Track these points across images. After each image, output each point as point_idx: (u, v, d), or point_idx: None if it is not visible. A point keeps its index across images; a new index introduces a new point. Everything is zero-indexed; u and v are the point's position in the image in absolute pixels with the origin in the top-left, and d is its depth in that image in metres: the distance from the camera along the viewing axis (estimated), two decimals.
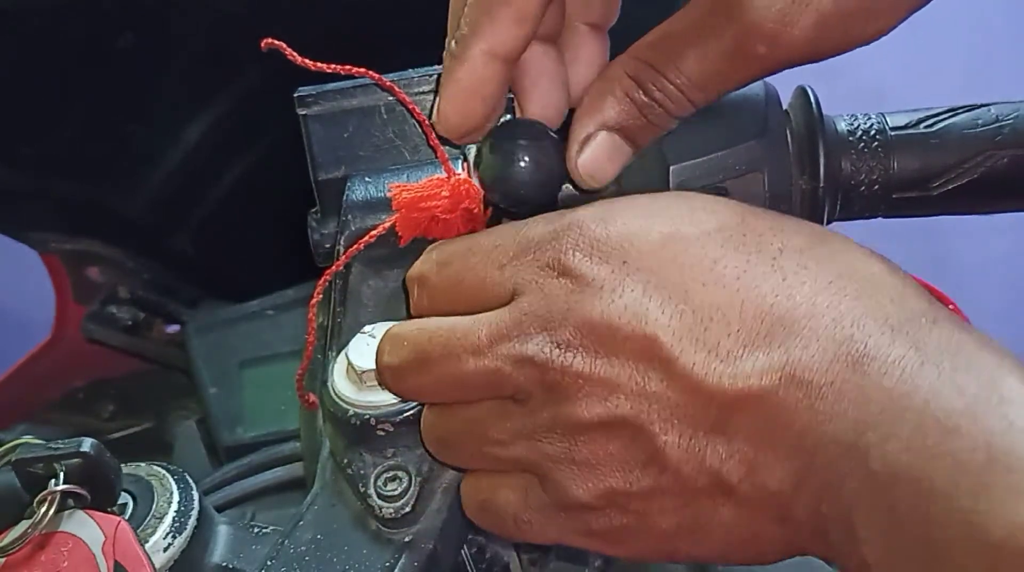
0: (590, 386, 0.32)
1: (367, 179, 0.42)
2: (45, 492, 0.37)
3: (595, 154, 0.38)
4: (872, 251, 0.33)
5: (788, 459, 0.30)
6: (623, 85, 0.37)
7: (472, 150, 0.41)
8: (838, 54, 0.36)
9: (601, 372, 0.32)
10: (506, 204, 0.39)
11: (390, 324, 0.38)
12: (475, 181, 0.40)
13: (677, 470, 0.32)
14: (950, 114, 0.43)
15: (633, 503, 0.33)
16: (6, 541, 0.37)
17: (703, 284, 0.32)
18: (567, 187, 0.41)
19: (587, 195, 0.41)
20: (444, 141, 0.42)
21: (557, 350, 0.32)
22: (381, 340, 0.38)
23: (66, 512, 0.38)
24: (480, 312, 0.35)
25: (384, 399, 0.38)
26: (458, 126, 0.38)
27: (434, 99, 0.39)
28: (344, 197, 0.42)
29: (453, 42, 0.37)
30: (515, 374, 0.33)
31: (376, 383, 0.39)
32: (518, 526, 0.36)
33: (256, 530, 0.44)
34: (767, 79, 0.39)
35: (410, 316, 0.39)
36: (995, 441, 0.26)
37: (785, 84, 0.42)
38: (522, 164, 0.37)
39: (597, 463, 0.33)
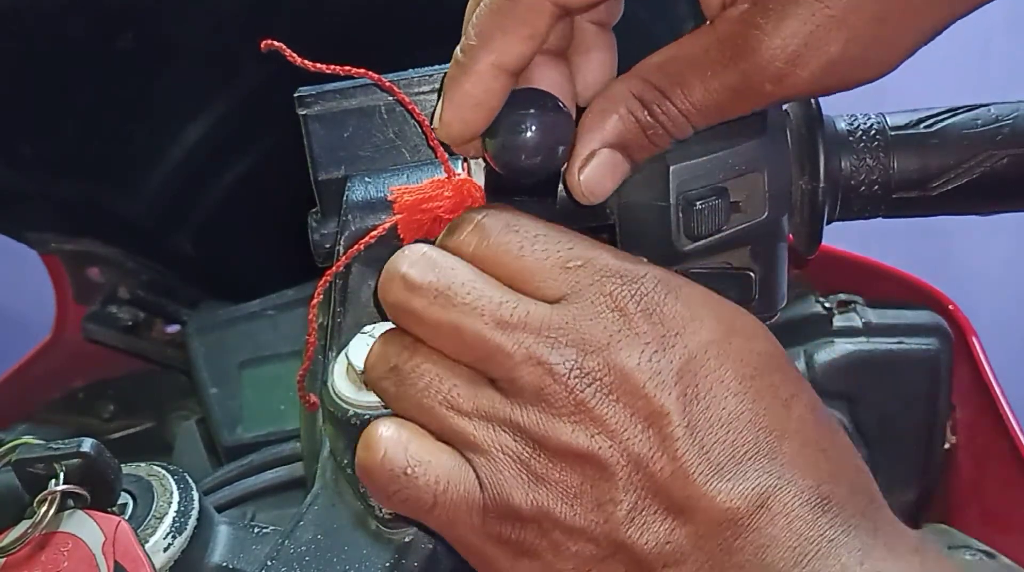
0: (586, 418, 0.33)
1: (367, 179, 0.42)
2: (45, 492, 0.37)
3: (597, 171, 0.38)
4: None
5: None
6: (628, 104, 0.38)
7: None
8: (840, 92, 0.37)
9: (604, 411, 0.33)
10: (511, 174, 0.39)
11: (390, 324, 0.38)
12: (476, 179, 0.40)
13: (615, 528, 0.32)
14: (950, 114, 0.43)
15: (556, 533, 0.33)
16: (6, 541, 0.37)
17: (728, 391, 0.33)
18: (566, 198, 0.41)
19: (586, 210, 0.41)
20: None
21: (578, 372, 0.33)
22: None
23: (66, 512, 0.38)
24: (518, 291, 0.35)
25: None
26: (460, 134, 0.38)
27: (436, 102, 0.39)
28: (344, 197, 0.42)
29: (460, 52, 0.37)
30: (520, 367, 0.33)
31: None
32: (432, 511, 0.34)
33: (256, 530, 0.44)
34: None
35: None
36: None
37: None
38: (529, 133, 0.37)
39: (549, 481, 0.33)
